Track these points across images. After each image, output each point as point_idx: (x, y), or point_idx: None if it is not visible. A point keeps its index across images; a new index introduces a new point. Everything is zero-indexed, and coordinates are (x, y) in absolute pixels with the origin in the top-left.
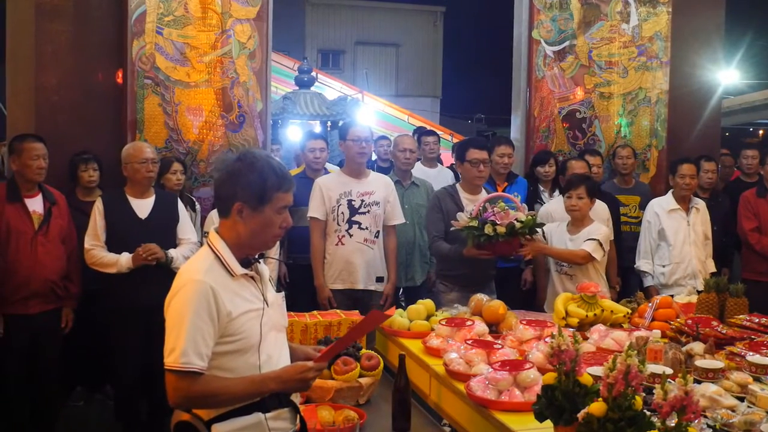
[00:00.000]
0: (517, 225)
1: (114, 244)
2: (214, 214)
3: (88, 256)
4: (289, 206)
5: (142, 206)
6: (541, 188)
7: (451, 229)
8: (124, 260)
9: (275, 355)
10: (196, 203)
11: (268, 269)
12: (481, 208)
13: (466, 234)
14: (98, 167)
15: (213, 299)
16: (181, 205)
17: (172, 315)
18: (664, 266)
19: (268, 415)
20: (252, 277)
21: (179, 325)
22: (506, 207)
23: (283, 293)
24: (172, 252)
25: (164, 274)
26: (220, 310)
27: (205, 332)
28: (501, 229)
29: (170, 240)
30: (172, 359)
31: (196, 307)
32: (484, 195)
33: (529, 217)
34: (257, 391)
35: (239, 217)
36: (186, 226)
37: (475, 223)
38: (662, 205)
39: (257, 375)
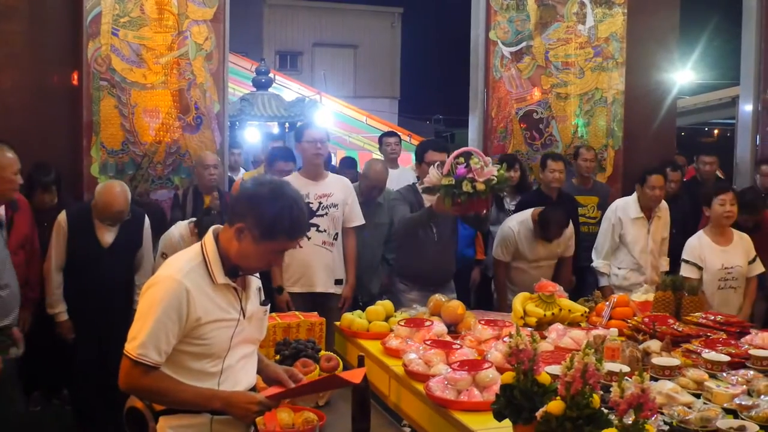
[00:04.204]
0: (494, 180)
1: (73, 271)
2: (174, 231)
3: (45, 278)
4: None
5: (107, 233)
6: (503, 193)
7: (424, 186)
8: (60, 311)
9: (238, 367)
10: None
11: (258, 281)
12: (452, 165)
13: (443, 192)
14: (58, 187)
15: (185, 301)
16: (147, 225)
17: (144, 304)
18: (620, 269)
19: (215, 417)
20: (235, 288)
21: (146, 316)
22: (480, 162)
23: (267, 307)
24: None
25: (123, 295)
26: (190, 312)
27: (170, 330)
28: (481, 186)
29: (130, 266)
30: (131, 347)
31: (166, 305)
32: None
33: (501, 171)
34: (202, 405)
35: (238, 236)
36: (146, 252)
37: (450, 181)
38: (626, 211)
39: (208, 390)
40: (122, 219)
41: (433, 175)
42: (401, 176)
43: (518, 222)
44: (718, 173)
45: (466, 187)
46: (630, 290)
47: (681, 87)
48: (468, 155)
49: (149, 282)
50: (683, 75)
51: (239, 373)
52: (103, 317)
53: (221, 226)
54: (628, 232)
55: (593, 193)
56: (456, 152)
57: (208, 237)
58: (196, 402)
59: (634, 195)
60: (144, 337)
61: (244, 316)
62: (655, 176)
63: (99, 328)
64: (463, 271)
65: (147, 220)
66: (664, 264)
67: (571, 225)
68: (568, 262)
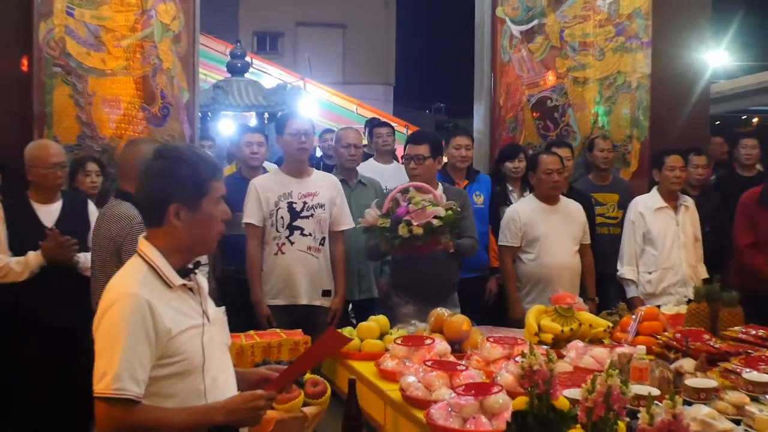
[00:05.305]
0: (435, 223)
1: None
2: None
3: None
4: (224, 196)
5: (48, 213)
6: (510, 187)
7: (358, 226)
8: (33, 258)
9: (221, 378)
10: None
11: (206, 281)
12: (392, 202)
13: (378, 236)
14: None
15: (150, 315)
16: (92, 208)
17: (103, 335)
18: (650, 273)
19: None
20: (191, 289)
21: (112, 346)
22: (422, 201)
23: (223, 308)
24: (80, 255)
25: (81, 290)
26: (158, 327)
27: (142, 354)
28: (418, 230)
29: (81, 250)
30: (103, 385)
31: (130, 326)
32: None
33: (449, 212)
34: (201, 423)
35: (177, 221)
36: None
37: (386, 223)
38: (647, 204)
39: (201, 405)
40: (63, 175)
41: (369, 214)
42: (395, 172)
43: (520, 203)
44: (758, 166)
45: (402, 230)
46: (666, 293)
47: (715, 70)
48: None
49: (101, 307)
50: (717, 56)
51: (226, 386)
52: (59, 315)
53: (144, 235)
54: (653, 226)
55: (612, 189)
56: (399, 187)
57: (143, 244)
58: (195, 422)
59: (654, 188)
60: (116, 369)
61: (208, 319)
62: (673, 156)
63: (56, 333)
64: (476, 281)
65: (90, 203)
66: (702, 271)
67: (580, 207)
68: (587, 250)
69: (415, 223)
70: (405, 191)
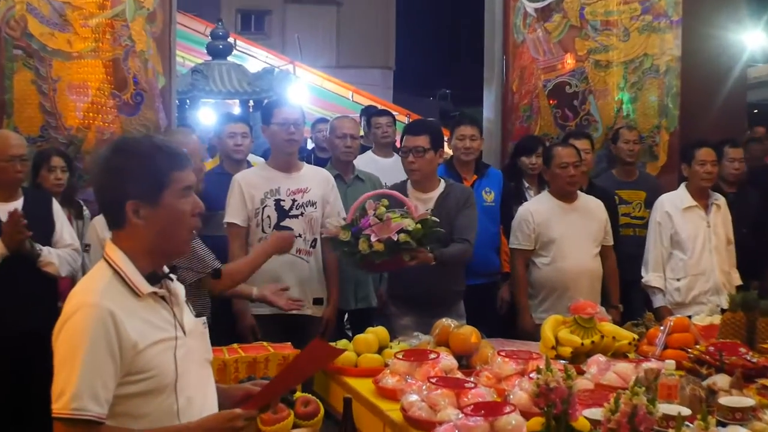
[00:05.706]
0: (401, 238)
1: None
2: (96, 222)
3: None
4: (192, 187)
5: (7, 212)
6: (526, 184)
7: (322, 236)
8: None
9: (198, 397)
10: (84, 209)
11: (183, 288)
12: (357, 211)
13: (337, 251)
14: None
15: (113, 327)
16: (57, 207)
17: (62, 349)
18: (678, 280)
19: None
20: (163, 297)
21: (71, 361)
22: (387, 213)
23: (204, 318)
24: (44, 248)
25: (43, 291)
26: (122, 340)
27: (104, 370)
28: (379, 246)
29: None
30: (61, 404)
31: (91, 339)
32: (437, 192)
33: (418, 225)
34: None
35: (138, 219)
36: (64, 232)
37: (347, 236)
38: (675, 203)
39: (173, 426)
40: (24, 170)
41: (331, 224)
42: (395, 166)
43: (533, 201)
44: None
45: (363, 245)
46: (697, 302)
47: (752, 52)
48: (395, 202)
49: (62, 315)
50: (755, 37)
51: (204, 406)
52: (18, 317)
53: (110, 237)
54: (682, 228)
55: (639, 186)
56: (368, 194)
57: (109, 247)
58: None
59: (682, 185)
60: (74, 387)
61: (184, 332)
62: (703, 149)
63: (13, 338)
64: (486, 288)
65: (55, 202)
66: (736, 277)
67: (600, 204)
68: (609, 252)
69: (374, 239)
70: (377, 198)
